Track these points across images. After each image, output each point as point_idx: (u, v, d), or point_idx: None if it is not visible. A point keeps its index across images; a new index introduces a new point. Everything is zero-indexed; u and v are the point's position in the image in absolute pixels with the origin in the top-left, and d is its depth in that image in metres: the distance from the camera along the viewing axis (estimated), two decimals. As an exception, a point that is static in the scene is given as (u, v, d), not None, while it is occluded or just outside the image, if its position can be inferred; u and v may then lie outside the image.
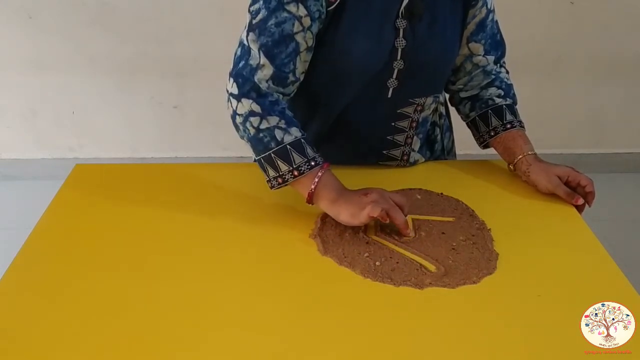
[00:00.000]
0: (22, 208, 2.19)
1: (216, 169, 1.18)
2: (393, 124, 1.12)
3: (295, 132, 0.95)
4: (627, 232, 2.19)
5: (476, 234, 0.96)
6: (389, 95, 1.07)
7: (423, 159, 1.20)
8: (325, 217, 0.99)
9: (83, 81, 2.33)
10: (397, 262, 0.89)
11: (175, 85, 2.36)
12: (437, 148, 1.25)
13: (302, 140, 0.95)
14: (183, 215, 1.01)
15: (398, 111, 1.10)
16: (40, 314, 0.79)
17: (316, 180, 0.94)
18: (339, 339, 0.76)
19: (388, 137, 1.13)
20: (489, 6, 1.09)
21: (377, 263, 0.89)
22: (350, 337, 0.77)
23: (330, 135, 1.13)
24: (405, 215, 0.93)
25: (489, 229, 0.98)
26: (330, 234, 0.95)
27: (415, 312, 0.82)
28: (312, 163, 0.94)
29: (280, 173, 0.95)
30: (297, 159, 0.94)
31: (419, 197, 1.06)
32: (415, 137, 1.15)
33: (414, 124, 1.13)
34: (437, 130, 1.23)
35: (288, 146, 0.94)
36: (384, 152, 1.15)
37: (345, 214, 0.92)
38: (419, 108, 1.11)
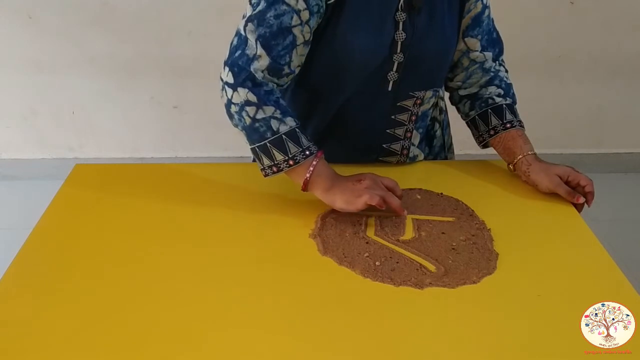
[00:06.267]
0: (22, 208, 2.20)
1: (216, 168, 1.18)
2: (393, 117, 1.12)
3: (290, 122, 0.97)
4: (627, 232, 2.19)
5: (476, 234, 0.96)
6: (389, 89, 1.07)
7: (422, 155, 1.20)
8: (325, 217, 0.99)
9: (83, 81, 2.33)
10: (397, 262, 0.89)
11: (175, 85, 2.36)
12: (436, 144, 1.25)
13: (297, 129, 0.97)
14: (183, 215, 1.01)
15: (398, 104, 1.10)
16: (40, 314, 0.79)
17: (311, 169, 0.96)
18: (338, 339, 0.76)
19: (388, 131, 1.14)
20: (484, 1, 1.09)
21: (377, 263, 0.89)
22: (350, 337, 0.77)
23: (331, 130, 1.13)
24: (400, 197, 0.97)
25: (489, 229, 0.98)
26: (330, 234, 0.95)
27: (415, 312, 0.82)
28: (307, 152, 0.96)
29: (276, 162, 0.97)
30: (293, 148, 0.95)
31: (418, 197, 1.06)
32: (414, 131, 1.16)
33: (414, 118, 1.13)
34: (437, 125, 1.23)
35: (283, 136, 0.95)
36: (384, 145, 1.15)
37: (340, 201, 0.94)
38: (418, 101, 1.11)
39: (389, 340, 0.77)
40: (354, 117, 1.11)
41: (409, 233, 0.96)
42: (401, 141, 1.15)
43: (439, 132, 1.24)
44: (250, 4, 0.97)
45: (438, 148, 1.26)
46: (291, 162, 0.96)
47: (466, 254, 0.92)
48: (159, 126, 2.47)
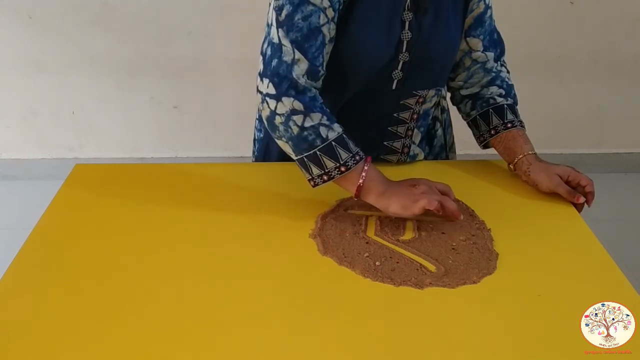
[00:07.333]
0: (22, 208, 2.20)
1: (216, 168, 1.18)
2: (395, 115, 1.12)
3: (337, 128, 0.95)
4: (627, 232, 2.19)
5: (476, 234, 0.96)
6: (393, 87, 1.07)
7: (422, 154, 1.20)
8: (325, 217, 0.99)
9: (83, 81, 2.34)
10: (397, 262, 0.89)
11: (175, 85, 2.36)
12: (437, 144, 1.25)
13: (344, 135, 0.95)
14: (183, 215, 1.01)
15: (401, 102, 1.11)
16: (40, 314, 0.79)
17: (364, 174, 0.94)
18: (338, 339, 0.76)
19: (389, 128, 1.14)
20: (487, 2, 1.09)
21: (377, 263, 0.89)
22: (350, 337, 0.77)
23: None
24: (455, 202, 0.95)
25: (489, 229, 0.98)
26: (330, 234, 0.95)
27: (415, 312, 0.82)
28: (357, 157, 0.94)
29: (326, 170, 0.94)
30: (343, 154, 0.93)
31: (419, 197, 1.06)
32: (415, 130, 1.16)
33: (415, 116, 1.13)
34: (438, 124, 1.24)
35: (333, 142, 0.93)
36: (385, 143, 1.15)
37: (395, 206, 0.92)
38: (420, 100, 1.12)
39: (389, 340, 0.77)
40: (357, 115, 1.11)
41: (409, 233, 0.96)
42: (402, 139, 1.15)
43: (440, 132, 1.24)
44: (273, 9, 0.96)
45: (439, 148, 1.26)
46: (343, 169, 0.94)
47: (466, 254, 0.92)
48: (159, 126, 2.47)
